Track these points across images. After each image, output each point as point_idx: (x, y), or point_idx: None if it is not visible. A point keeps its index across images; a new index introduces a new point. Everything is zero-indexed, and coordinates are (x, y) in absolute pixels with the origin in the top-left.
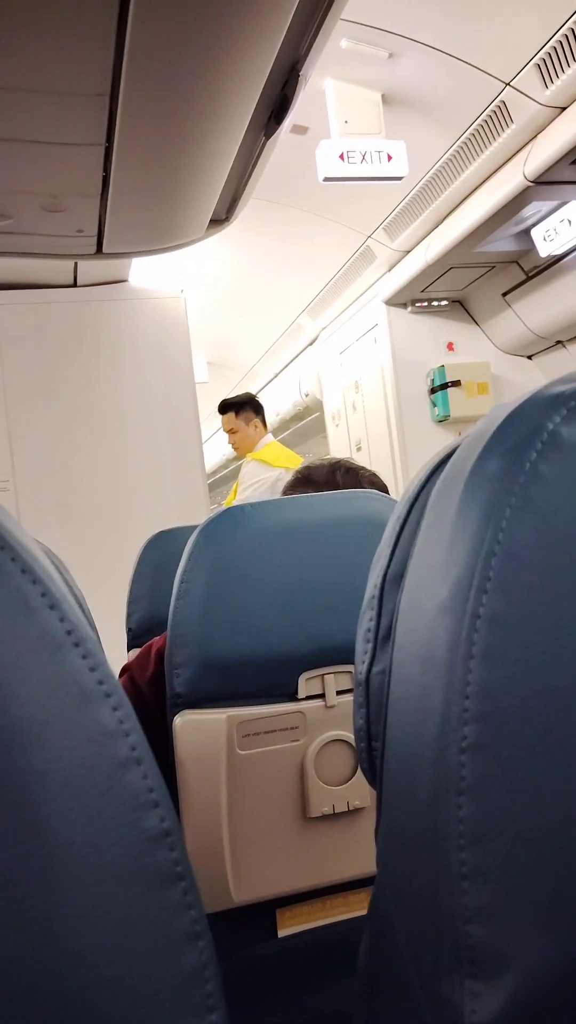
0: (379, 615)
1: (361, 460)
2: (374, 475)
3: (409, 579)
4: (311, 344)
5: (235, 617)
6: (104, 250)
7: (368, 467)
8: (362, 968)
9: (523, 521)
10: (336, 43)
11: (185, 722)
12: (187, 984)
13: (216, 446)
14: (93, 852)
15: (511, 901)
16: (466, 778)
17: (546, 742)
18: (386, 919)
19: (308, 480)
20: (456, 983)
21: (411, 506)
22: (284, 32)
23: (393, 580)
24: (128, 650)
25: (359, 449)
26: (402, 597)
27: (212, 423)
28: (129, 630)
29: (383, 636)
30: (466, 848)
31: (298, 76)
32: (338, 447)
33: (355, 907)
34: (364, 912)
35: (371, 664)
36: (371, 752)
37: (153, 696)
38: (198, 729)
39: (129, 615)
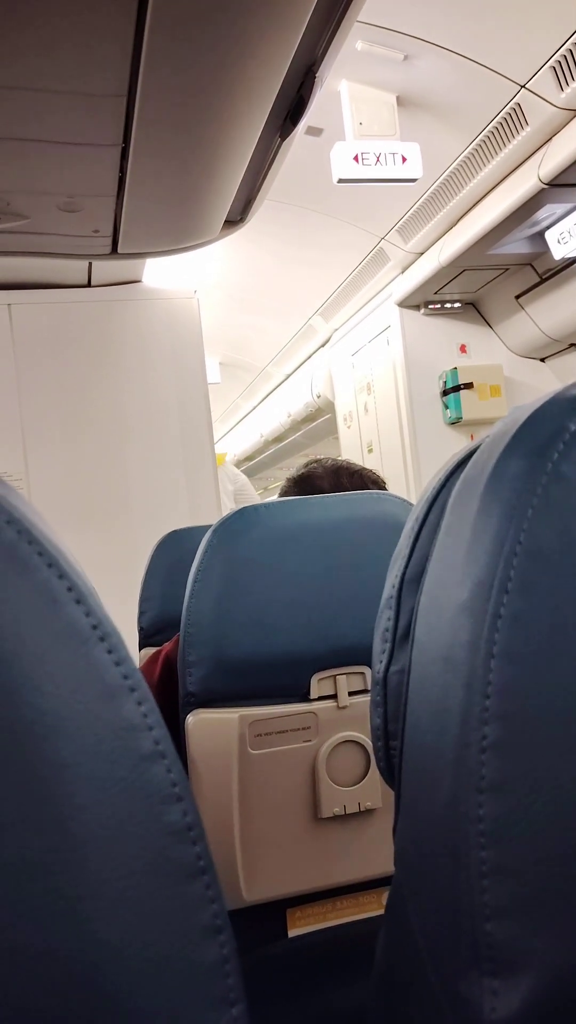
0: (397, 615)
1: (372, 462)
2: (375, 474)
3: (428, 579)
4: (323, 345)
5: (248, 617)
6: (119, 250)
7: (380, 469)
8: (379, 966)
9: (545, 521)
10: (351, 45)
11: (197, 721)
12: (210, 977)
13: (228, 446)
14: (118, 845)
15: (531, 899)
16: (486, 777)
17: (567, 741)
18: (404, 918)
19: (311, 486)
20: (475, 981)
21: (430, 506)
22: (301, 33)
23: (412, 580)
24: (140, 649)
25: (371, 451)
26: (421, 597)
27: (225, 423)
28: (141, 629)
29: (401, 636)
30: (486, 847)
31: (314, 77)
32: (350, 449)
33: (366, 908)
34: (375, 913)
35: (389, 663)
36: (388, 751)
37: (160, 701)
38: (210, 728)
39: (141, 614)
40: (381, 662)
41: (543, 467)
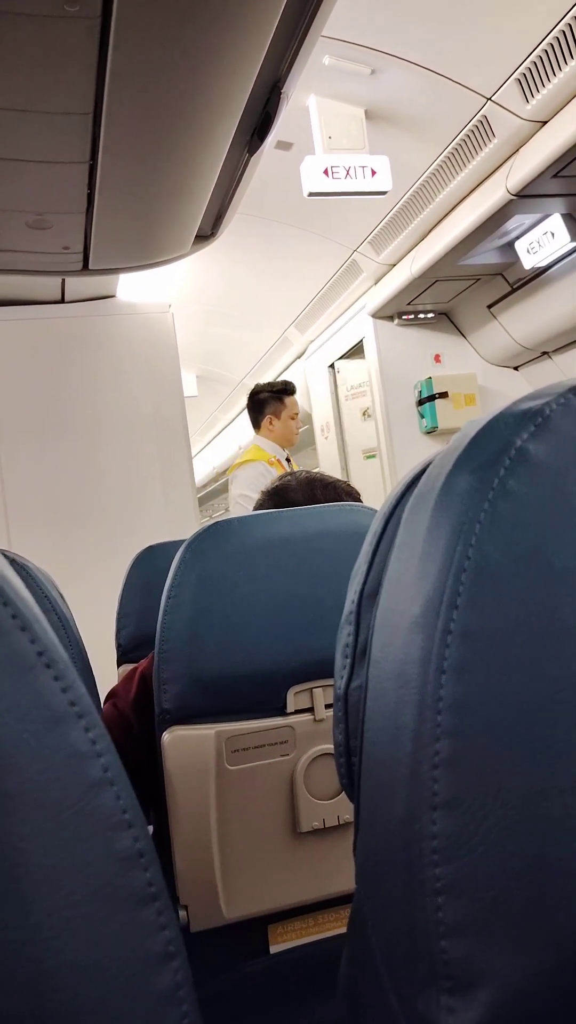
0: (357, 630)
1: (350, 472)
2: (349, 486)
3: (383, 595)
4: (299, 357)
5: (223, 632)
6: (90, 266)
7: (357, 479)
8: (343, 984)
9: (492, 537)
10: (318, 60)
11: (173, 738)
12: (162, 1005)
13: (206, 460)
14: (65, 873)
15: (485, 916)
16: (439, 793)
17: (517, 756)
18: (364, 935)
19: (285, 499)
20: (432, 999)
21: (386, 522)
22: (265, 51)
23: (370, 596)
24: (118, 666)
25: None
26: (377, 613)
27: (203, 436)
28: (119, 646)
29: (361, 651)
30: (440, 864)
31: (280, 94)
32: (327, 459)
33: (347, 922)
34: None
35: (349, 679)
36: (350, 767)
37: (137, 718)
38: (186, 745)
39: (119, 631)
40: (342, 678)
41: (490, 482)
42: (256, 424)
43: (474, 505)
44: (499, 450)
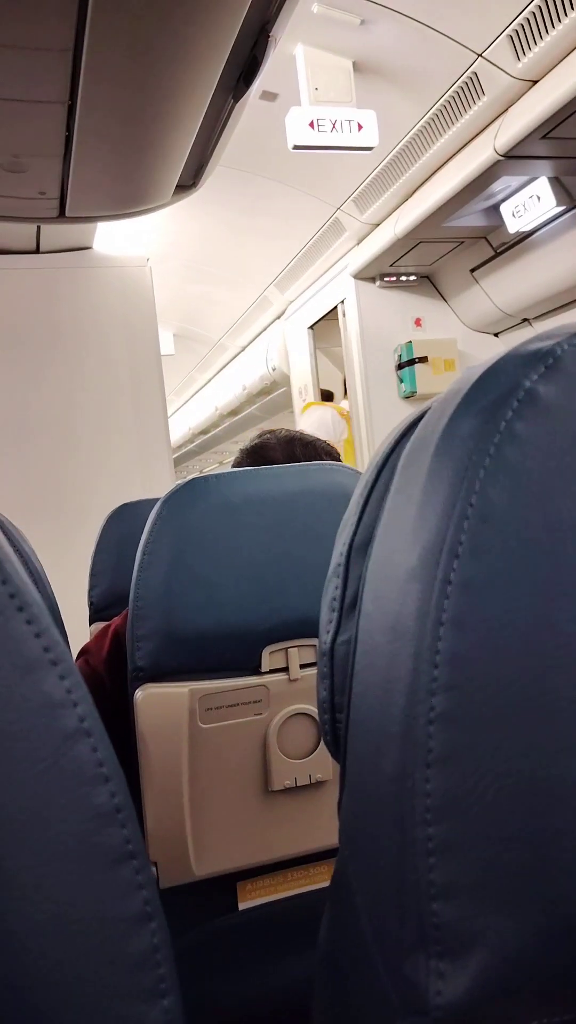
0: (345, 583)
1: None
2: (329, 445)
3: (377, 545)
4: (279, 318)
5: (198, 590)
6: (67, 213)
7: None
8: (323, 945)
9: (497, 482)
10: (307, 6)
11: (146, 695)
12: (138, 968)
13: (183, 419)
14: (37, 829)
15: (479, 877)
16: (434, 750)
17: (517, 711)
18: (348, 896)
19: (264, 457)
20: (421, 963)
21: (379, 471)
22: None
23: (360, 547)
24: (90, 623)
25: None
26: (369, 564)
27: (180, 396)
28: (91, 603)
29: (349, 605)
30: (433, 823)
31: (268, 37)
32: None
33: (316, 879)
34: (325, 884)
35: (336, 634)
36: (335, 725)
37: (109, 675)
38: (160, 703)
39: (91, 588)
40: (328, 632)
41: (496, 426)
42: (330, 398)
43: (479, 449)
44: (506, 392)
